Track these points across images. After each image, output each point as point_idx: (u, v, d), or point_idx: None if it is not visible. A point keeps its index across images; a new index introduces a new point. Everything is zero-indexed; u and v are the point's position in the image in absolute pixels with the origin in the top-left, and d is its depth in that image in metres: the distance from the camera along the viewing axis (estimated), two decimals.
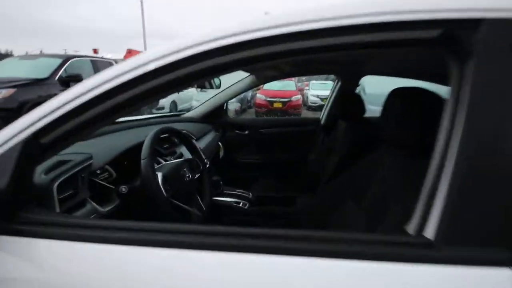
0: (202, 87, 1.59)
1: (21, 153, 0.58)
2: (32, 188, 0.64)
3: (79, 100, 0.58)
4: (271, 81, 2.10)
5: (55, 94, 0.71)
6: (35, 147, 0.59)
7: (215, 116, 2.30)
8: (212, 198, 1.49)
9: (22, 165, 0.58)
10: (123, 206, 0.92)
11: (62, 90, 5.28)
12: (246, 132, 2.34)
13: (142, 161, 0.88)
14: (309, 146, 2.18)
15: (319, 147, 2.00)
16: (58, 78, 5.25)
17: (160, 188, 0.88)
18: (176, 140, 1.32)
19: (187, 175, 1.05)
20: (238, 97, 8.59)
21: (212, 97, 2.17)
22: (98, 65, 6.06)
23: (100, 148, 1.01)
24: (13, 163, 0.58)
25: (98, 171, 0.94)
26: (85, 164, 0.89)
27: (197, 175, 1.18)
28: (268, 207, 1.49)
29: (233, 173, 2.36)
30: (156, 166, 1.02)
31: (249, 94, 10.42)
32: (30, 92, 4.83)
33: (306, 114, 9.66)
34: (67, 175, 0.81)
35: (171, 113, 2.24)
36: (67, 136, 0.60)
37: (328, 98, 2.45)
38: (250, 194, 1.63)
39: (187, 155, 1.25)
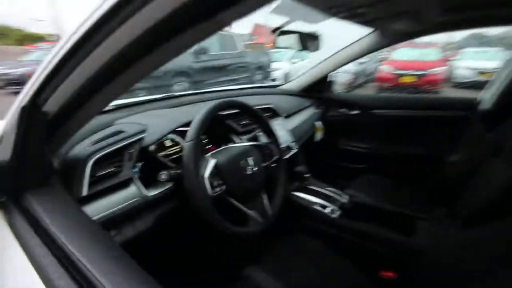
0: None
1: (20, 122, 0.47)
2: (44, 162, 0.53)
3: (62, 51, 0.41)
4: (406, 39, 1.44)
5: None
6: (36, 114, 0.47)
7: (318, 90, 1.90)
8: (291, 194, 1.19)
9: (24, 134, 0.48)
10: (171, 194, 0.76)
11: (195, 62, 6.06)
12: (356, 111, 1.82)
13: (185, 144, 0.67)
14: (452, 141, 1.46)
15: (473, 144, 1.27)
16: (190, 51, 6.08)
17: (200, 180, 0.66)
18: (251, 118, 1.07)
19: (250, 167, 0.79)
20: (353, 68, 7.56)
21: (316, 65, 1.76)
22: (225, 38, 6.62)
23: (161, 121, 0.88)
24: (14, 133, 0.48)
25: (152, 148, 0.81)
26: (135, 138, 0.76)
27: (268, 167, 0.90)
28: (369, 225, 1.05)
29: (329, 164, 1.95)
30: (215, 150, 0.80)
31: (372, 66, 8.92)
32: (171, 63, 5.76)
33: (447, 93, 7.33)
34: (109, 150, 0.70)
35: (263, 85, 1.99)
36: (69, 103, 0.46)
37: (499, 73, 1.53)
38: (346, 197, 1.22)
39: (264, 140, 0.98)
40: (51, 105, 0.48)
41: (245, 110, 0.86)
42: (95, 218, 0.61)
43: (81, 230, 0.44)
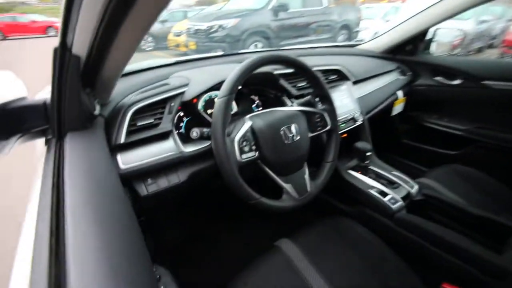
0: None
1: (54, 64, 0.48)
2: (82, 106, 0.55)
3: None
4: None
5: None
6: (67, 57, 0.48)
7: (408, 51, 1.52)
8: (345, 172, 1.03)
9: (59, 77, 0.50)
10: (207, 152, 0.74)
11: (273, 20, 5.78)
12: (459, 81, 1.41)
13: (216, 100, 0.60)
14: None
15: None
16: (270, 8, 5.78)
17: (228, 143, 0.59)
18: (306, 80, 0.92)
19: (292, 135, 0.68)
20: (470, 27, 5.82)
21: (407, 19, 1.38)
22: None
23: (205, 76, 0.83)
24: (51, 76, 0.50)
25: (197, 104, 0.78)
26: (176, 92, 0.74)
27: (317, 138, 0.77)
28: (439, 226, 0.82)
29: (405, 145, 1.63)
30: (256, 112, 0.72)
31: (499, 26, 6.79)
32: (249, 21, 5.66)
33: None
34: (150, 101, 0.70)
35: (339, 44, 1.71)
36: (94, 44, 0.45)
37: None
38: (416, 187, 0.99)
39: (320, 106, 0.83)
40: (79, 47, 0.47)
41: (296, 68, 0.72)
42: (128, 166, 0.63)
43: (93, 179, 0.44)
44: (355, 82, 1.19)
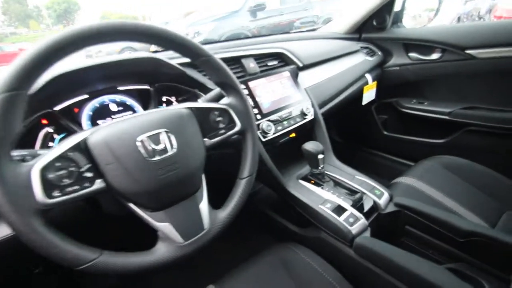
0: None
1: None
2: None
3: None
4: None
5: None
6: None
7: (376, 28, 1.29)
8: (296, 182, 0.79)
9: None
10: None
11: (252, 21, 5.58)
12: (435, 55, 1.17)
13: None
14: None
15: None
16: (247, 9, 5.60)
17: (16, 176, 0.34)
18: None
19: (160, 148, 0.43)
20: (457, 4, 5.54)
21: None
22: None
23: None
24: None
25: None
26: None
27: (218, 145, 0.52)
28: (421, 262, 0.56)
29: (389, 137, 1.38)
30: (103, 123, 0.47)
31: (486, 3, 6.52)
32: (227, 24, 5.47)
33: None
34: None
35: (296, 30, 1.49)
36: None
37: None
38: (385, 194, 0.74)
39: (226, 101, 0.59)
40: None
41: (162, 43, 0.47)
42: None
43: None
44: (303, 68, 0.96)
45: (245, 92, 0.76)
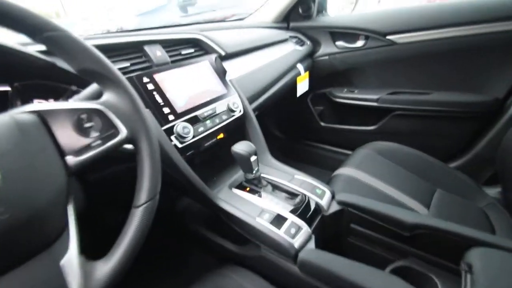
0: None
1: None
2: None
3: None
4: None
5: None
6: None
7: (303, 16, 1.24)
8: (229, 191, 0.65)
9: None
10: None
11: (183, 16, 5.27)
12: (360, 42, 1.18)
13: None
14: None
15: None
16: (176, 3, 5.25)
17: None
18: None
19: None
20: None
21: None
22: None
23: None
24: None
25: None
26: None
27: (75, 167, 0.36)
28: (368, 271, 0.49)
29: (326, 128, 1.37)
30: None
31: None
32: (153, 20, 5.03)
33: None
34: None
35: (224, 19, 1.37)
36: None
37: None
38: (327, 193, 0.67)
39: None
40: None
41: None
42: None
43: None
44: (226, 57, 0.83)
45: (151, 87, 0.60)
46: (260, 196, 0.65)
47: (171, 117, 0.60)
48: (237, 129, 0.76)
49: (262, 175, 0.70)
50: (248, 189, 0.67)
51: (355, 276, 0.46)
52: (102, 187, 0.60)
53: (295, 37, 1.22)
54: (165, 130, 0.58)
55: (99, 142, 0.36)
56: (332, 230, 0.65)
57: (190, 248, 0.86)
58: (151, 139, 0.40)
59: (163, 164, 0.56)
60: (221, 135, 0.72)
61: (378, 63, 1.17)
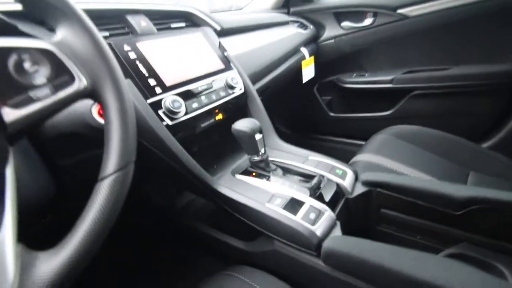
0: None
1: None
2: None
3: None
4: None
5: None
6: None
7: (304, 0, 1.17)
8: (231, 177, 0.55)
9: None
10: None
11: None
12: (368, 20, 1.09)
13: None
14: None
15: None
16: None
17: None
18: None
19: None
20: None
21: None
22: None
23: None
24: None
25: None
26: None
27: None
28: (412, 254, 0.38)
29: (336, 118, 1.26)
30: None
31: None
32: None
33: None
34: None
35: (224, 10, 1.31)
36: None
37: None
38: (349, 173, 0.55)
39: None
40: None
41: None
42: None
43: None
44: (222, 33, 0.74)
45: (133, 56, 0.51)
46: (268, 180, 0.54)
47: (158, 90, 0.51)
48: (238, 110, 0.67)
49: (270, 158, 0.59)
50: (254, 174, 0.57)
51: (401, 265, 0.34)
52: (81, 174, 0.50)
53: (297, 21, 1.14)
54: (151, 105, 0.49)
55: (47, 91, 0.27)
56: (358, 217, 0.54)
57: (192, 248, 0.75)
58: (120, 90, 0.30)
59: (150, 144, 0.46)
60: (220, 116, 0.63)
61: (389, 42, 1.08)
